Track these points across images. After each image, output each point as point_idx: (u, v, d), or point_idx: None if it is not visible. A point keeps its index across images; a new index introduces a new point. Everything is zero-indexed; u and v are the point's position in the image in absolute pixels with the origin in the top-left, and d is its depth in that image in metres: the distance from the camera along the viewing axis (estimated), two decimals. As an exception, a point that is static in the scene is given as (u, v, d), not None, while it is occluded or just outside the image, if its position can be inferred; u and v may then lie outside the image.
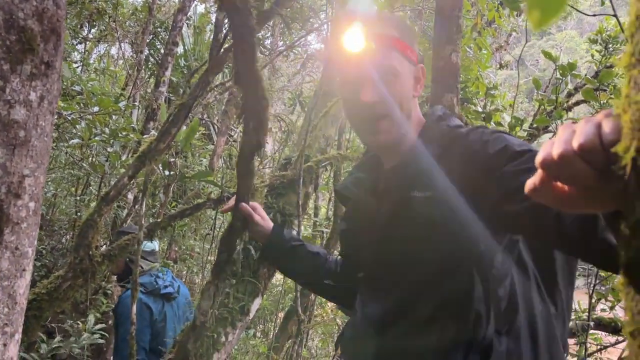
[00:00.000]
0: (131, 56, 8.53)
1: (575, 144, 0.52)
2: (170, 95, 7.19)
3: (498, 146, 1.03)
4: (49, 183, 6.58)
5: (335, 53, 1.22)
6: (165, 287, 3.23)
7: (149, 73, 8.18)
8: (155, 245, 3.28)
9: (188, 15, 7.54)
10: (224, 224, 6.87)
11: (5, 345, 1.41)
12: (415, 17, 5.75)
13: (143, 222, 2.12)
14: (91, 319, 3.54)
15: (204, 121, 7.64)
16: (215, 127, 7.83)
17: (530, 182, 0.61)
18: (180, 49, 8.09)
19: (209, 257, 5.71)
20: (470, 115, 3.53)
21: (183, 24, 6.56)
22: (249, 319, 2.55)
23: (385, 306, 1.18)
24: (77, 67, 7.21)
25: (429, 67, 1.65)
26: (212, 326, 2.25)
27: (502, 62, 7.80)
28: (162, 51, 7.14)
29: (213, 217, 6.42)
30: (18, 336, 1.50)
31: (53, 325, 5.62)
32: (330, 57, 1.56)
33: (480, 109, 3.67)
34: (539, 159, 0.58)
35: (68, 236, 6.74)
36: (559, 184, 0.58)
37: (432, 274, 1.09)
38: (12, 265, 1.41)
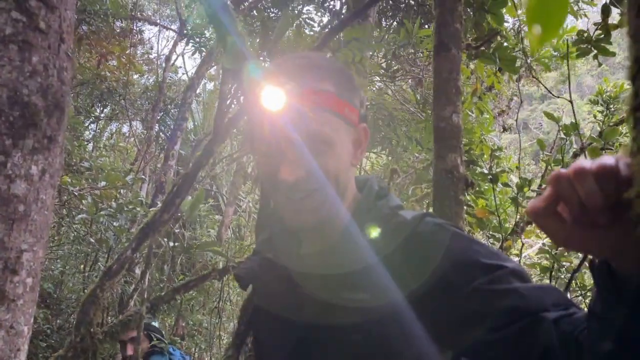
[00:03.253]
0: (142, 132, 8.76)
1: (593, 165, 0.52)
2: (180, 168, 7.30)
3: (461, 256, 0.82)
4: (57, 260, 6.54)
5: (250, 109, 0.93)
6: None
7: (158, 148, 8.37)
8: (155, 323, 3.22)
9: (197, 92, 7.81)
10: (234, 296, 6.72)
11: None
12: (416, 86, 5.90)
13: (145, 296, 2.06)
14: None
15: (212, 192, 7.69)
16: (224, 197, 7.87)
17: (533, 203, 0.58)
18: (190, 125, 8.32)
19: (218, 332, 5.53)
20: (476, 177, 3.52)
21: (192, 100, 6.78)
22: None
23: None
24: (88, 144, 7.39)
25: (429, 129, 1.62)
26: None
27: (505, 125, 7.91)
28: (172, 127, 7.33)
29: (220, 290, 6.30)
30: None
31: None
32: (246, 111, 1.20)
33: (486, 171, 3.66)
34: (552, 174, 0.56)
35: (75, 315, 6.60)
36: (562, 211, 0.56)
37: None
38: (7, 345, 1.35)
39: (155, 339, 3.11)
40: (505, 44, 3.62)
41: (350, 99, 0.90)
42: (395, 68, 5.85)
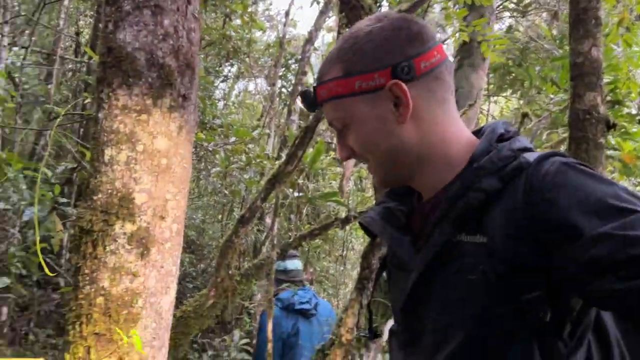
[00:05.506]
0: (266, 89, 9.12)
1: None
2: (302, 122, 7.51)
3: (590, 197, 0.76)
4: (198, 210, 7.20)
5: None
6: (302, 303, 3.32)
7: (282, 104, 8.67)
8: (291, 264, 3.39)
9: (315, 45, 7.87)
10: (357, 245, 6.91)
11: (154, 357, 1.53)
12: (551, 19, 5.34)
13: (275, 242, 2.20)
14: (236, 334, 3.74)
15: (333, 145, 7.84)
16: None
17: None
18: (310, 78, 8.46)
19: (343, 279, 5.75)
20: (622, 119, 3.14)
21: (311, 53, 6.85)
22: (382, 341, 2.48)
23: None
24: (219, 103, 7.88)
25: (567, 67, 1.46)
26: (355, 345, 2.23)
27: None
28: (293, 82, 7.52)
29: (344, 240, 6.50)
30: (165, 350, 1.62)
31: (203, 341, 6.06)
32: None
33: (634, 111, 3.25)
34: None
35: (216, 259, 7.29)
36: None
37: (474, 347, 0.84)
38: (158, 282, 1.54)
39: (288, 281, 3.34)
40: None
41: (363, 69, 0.91)
42: (527, 2, 5.34)
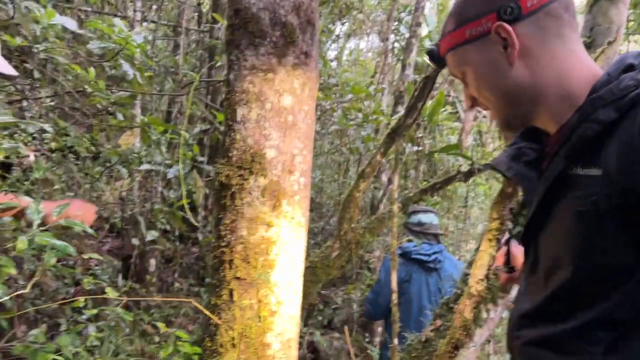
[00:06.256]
0: (378, 46, 8.97)
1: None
2: (417, 77, 7.31)
3: None
4: (316, 170, 7.43)
5: None
6: (419, 253, 3.34)
7: (395, 59, 8.48)
8: (425, 217, 3.41)
9: (429, -6, 7.53)
10: (476, 202, 6.69)
11: (289, 301, 1.65)
12: None
13: (396, 196, 2.21)
14: (358, 288, 3.87)
15: (450, 98, 7.55)
16: (463, 104, 7.64)
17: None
18: (424, 30, 8.14)
19: (463, 237, 5.63)
20: None
21: (425, 3, 6.56)
22: (510, 298, 2.41)
23: (529, 306, 0.97)
24: (332, 62, 7.92)
25: None
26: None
27: None
28: (407, 35, 7.30)
29: (465, 196, 6.32)
30: (299, 296, 1.74)
31: (326, 294, 6.34)
32: None
33: None
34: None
35: (335, 217, 7.52)
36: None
37: (582, 280, 0.85)
38: (290, 232, 1.63)
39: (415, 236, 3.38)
40: None
41: (471, 17, 0.95)
42: None
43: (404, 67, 6.10)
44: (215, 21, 4.33)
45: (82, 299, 1.62)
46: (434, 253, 3.40)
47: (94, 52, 2.39)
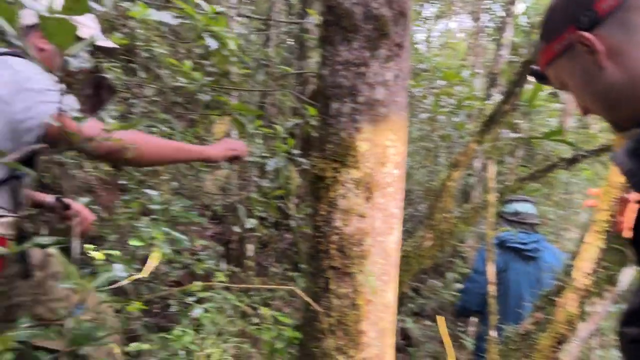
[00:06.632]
0: (470, 26, 8.62)
1: None
2: (512, 57, 6.95)
3: None
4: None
5: None
6: (516, 242, 3.25)
7: (488, 39, 8.12)
8: (521, 206, 3.33)
9: (526, -32, 7.09)
10: (580, 187, 6.26)
11: (384, 291, 1.68)
12: None
13: (492, 186, 2.14)
14: (450, 277, 3.81)
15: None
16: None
17: None
18: (520, 8, 7.70)
19: (562, 224, 5.31)
20: None
21: (521, -21, 6.21)
22: (617, 291, 2.27)
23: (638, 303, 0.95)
24: (421, 46, 7.75)
25: None
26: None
27: None
28: (501, 14, 6.95)
29: (566, 182, 5.95)
30: (393, 285, 1.76)
31: (418, 284, 6.30)
32: None
33: None
34: None
35: (423, 205, 7.42)
36: None
37: None
38: (384, 223, 1.65)
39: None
40: None
41: (556, 33, 1.00)
42: None
43: (498, 48, 5.83)
44: (305, 12, 4.41)
45: (198, 284, 1.76)
46: (532, 242, 3.28)
47: (177, 30, 2.51)
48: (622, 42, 0.92)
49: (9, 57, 1.62)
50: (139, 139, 1.69)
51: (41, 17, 0.71)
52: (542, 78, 1.09)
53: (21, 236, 1.52)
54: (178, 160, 1.90)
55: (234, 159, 1.92)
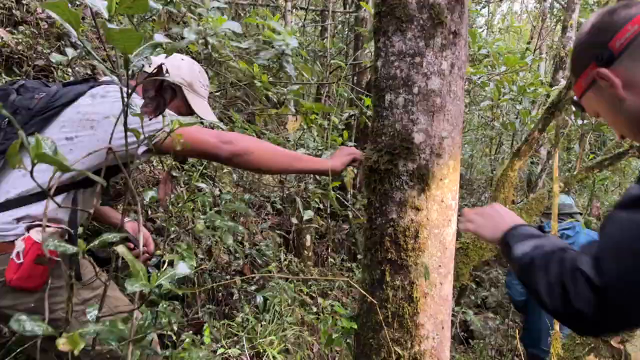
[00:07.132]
0: (534, 7, 8.23)
1: None
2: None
3: None
4: (465, 145, 7.16)
5: None
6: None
7: (554, 20, 7.72)
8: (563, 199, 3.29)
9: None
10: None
11: (441, 283, 1.66)
12: None
13: (557, 175, 2.06)
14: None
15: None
16: None
17: None
18: (588, -15, 7.26)
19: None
20: None
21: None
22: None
23: None
24: (482, 31, 7.49)
25: None
26: None
27: None
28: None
29: (642, 169, 5.58)
30: (450, 277, 1.74)
31: (480, 275, 6.16)
32: None
33: None
34: None
35: (486, 194, 7.21)
36: None
37: None
38: (440, 215, 1.63)
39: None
40: None
41: (581, 71, 1.13)
42: None
43: (564, 30, 5.54)
44: (359, 2, 4.38)
45: (258, 275, 1.81)
46: (562, 229, 3.22)
47: (261, 60, 2.64)
48: (636, 75, 1.03)
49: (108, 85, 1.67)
50: (252, 144, 1.76)
51: (103, 25, 0.76)
52: (581, 107, 1.21)
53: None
54: (295, 170, 1.89)
55: (352, 163, 1.93)
